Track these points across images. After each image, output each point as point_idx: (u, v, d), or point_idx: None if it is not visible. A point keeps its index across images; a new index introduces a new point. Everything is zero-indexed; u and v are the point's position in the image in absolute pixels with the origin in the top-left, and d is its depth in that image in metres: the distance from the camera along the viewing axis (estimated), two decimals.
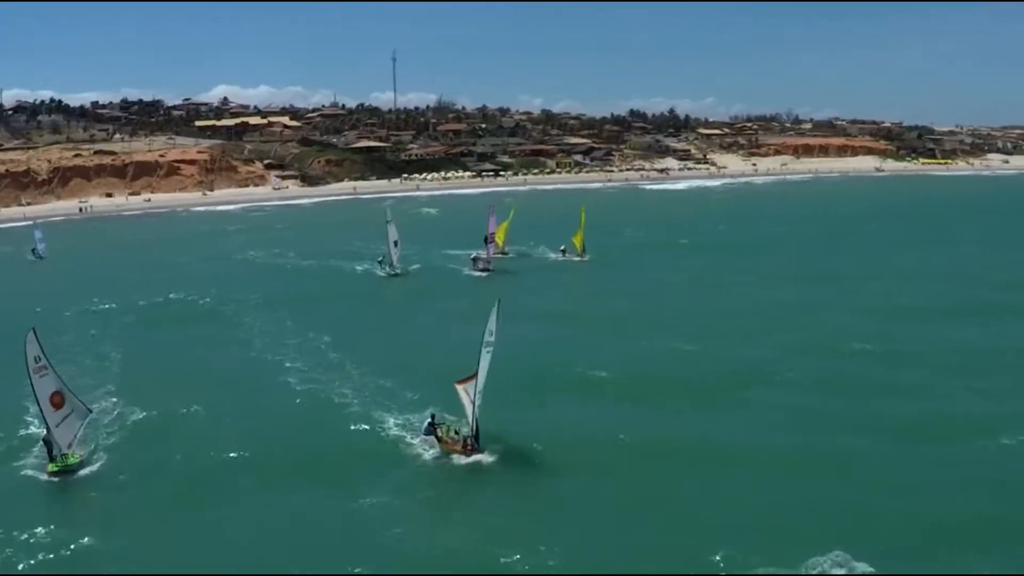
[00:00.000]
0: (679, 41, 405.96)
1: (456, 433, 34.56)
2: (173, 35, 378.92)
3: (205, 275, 77.70)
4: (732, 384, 41.89)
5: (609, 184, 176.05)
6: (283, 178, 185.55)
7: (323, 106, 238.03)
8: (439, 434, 34.62)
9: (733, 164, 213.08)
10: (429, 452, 34.55)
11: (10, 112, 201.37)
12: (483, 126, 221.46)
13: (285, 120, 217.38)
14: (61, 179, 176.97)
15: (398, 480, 32.30)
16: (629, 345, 49.69)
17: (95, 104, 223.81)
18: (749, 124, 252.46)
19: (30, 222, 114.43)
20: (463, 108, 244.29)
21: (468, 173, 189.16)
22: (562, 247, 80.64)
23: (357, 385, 42.87)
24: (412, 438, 35.55)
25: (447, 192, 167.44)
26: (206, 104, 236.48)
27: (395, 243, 73.33)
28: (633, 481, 31.78)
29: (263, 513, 30.32)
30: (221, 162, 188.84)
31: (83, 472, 33.79)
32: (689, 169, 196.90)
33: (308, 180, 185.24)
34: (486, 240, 75.60)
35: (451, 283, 71.51)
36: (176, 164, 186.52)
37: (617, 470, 32.56)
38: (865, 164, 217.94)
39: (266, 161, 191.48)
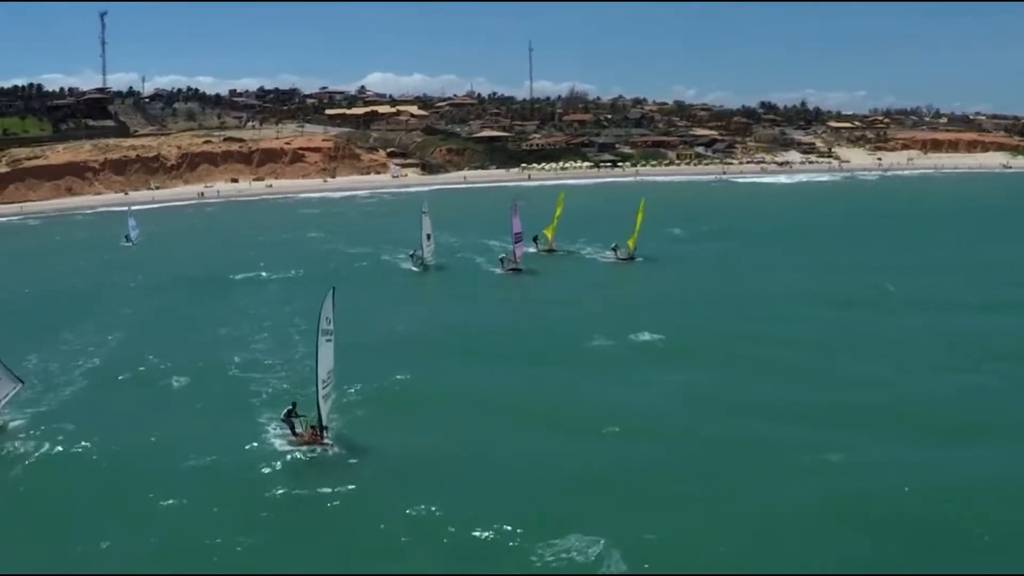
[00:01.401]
0: (835, 35, 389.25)
1: (312, 427, 32.36)
2: (333, 21, 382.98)
3: (264, 255, 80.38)
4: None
5: (699, 177, 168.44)
6: (403, 166, 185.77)
7: (454, 96, 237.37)
8: (296, 427, 32.69)
9: (857, 158, 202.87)
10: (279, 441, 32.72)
11: (147, 100, 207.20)
12: (609, 116, 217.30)
13: (413, 109, 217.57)
14: (189, 164, 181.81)
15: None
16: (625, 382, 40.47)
17: (232, 92, 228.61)
18: (880, 118, 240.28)
19: (135, 207, 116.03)
20: (599, 98, 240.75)
21: (586, 164, 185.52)
22: (614, 245, 74.27)
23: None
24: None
25: (557, 182, 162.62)
26: (341, 93, 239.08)
27: (428, 236, 70.26)
28: None
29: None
30: (345, 150, 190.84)
31: None
32: (811, 163, 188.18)
33: (428, 168, 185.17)
34: (519, 239, 70.03)
35: (471, 279, 68.60)
36: (301, 151, 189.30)
37: None
38: (992, 160, 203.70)
39: (389, 149, 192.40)
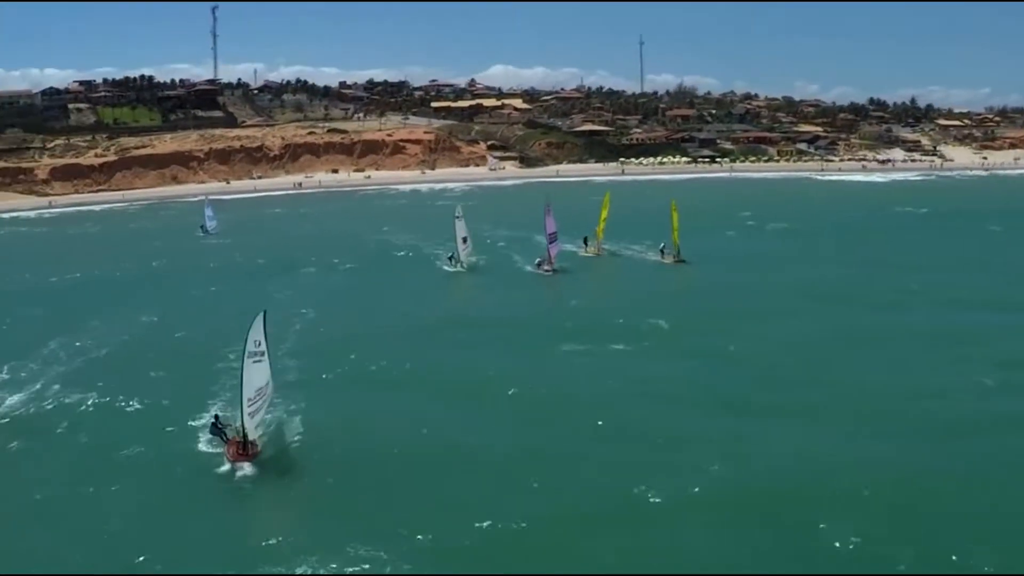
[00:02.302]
0: (961, 29, 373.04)
1: (237, 433, 31.62)
2: (459, 13, 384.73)
3: (323, 246, 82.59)
4: None
5: (794, 174, 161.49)
6: (502, 159, 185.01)
7: (561, 89, 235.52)
8: (226, 434, 32.08)
9: (962, 157, 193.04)
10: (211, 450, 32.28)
11: (256, 91, 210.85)
12: (713, 112, 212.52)
13: (517, 103, 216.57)
14: (292, 155, 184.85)
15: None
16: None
17: (343, 84, 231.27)
18: (991, 116, 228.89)
19: (210, 197, 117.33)
20: (709, 93, 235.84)
21: (685, 159, 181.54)
22: (662, 246, 71.19)
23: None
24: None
25: (651, 177, 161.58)
26: (450, 85, 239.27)
27: (463, 239, 69.76)
28: None
29: None
30: (445, 142, 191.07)
31: None
32: (913, 161, 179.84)
33: (526, 161, 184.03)
34: (553, 239, 67.51)
35: (500, 280, 66.79)
36: (402, 143, 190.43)
37: None
38: None
39: (489, 142, 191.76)
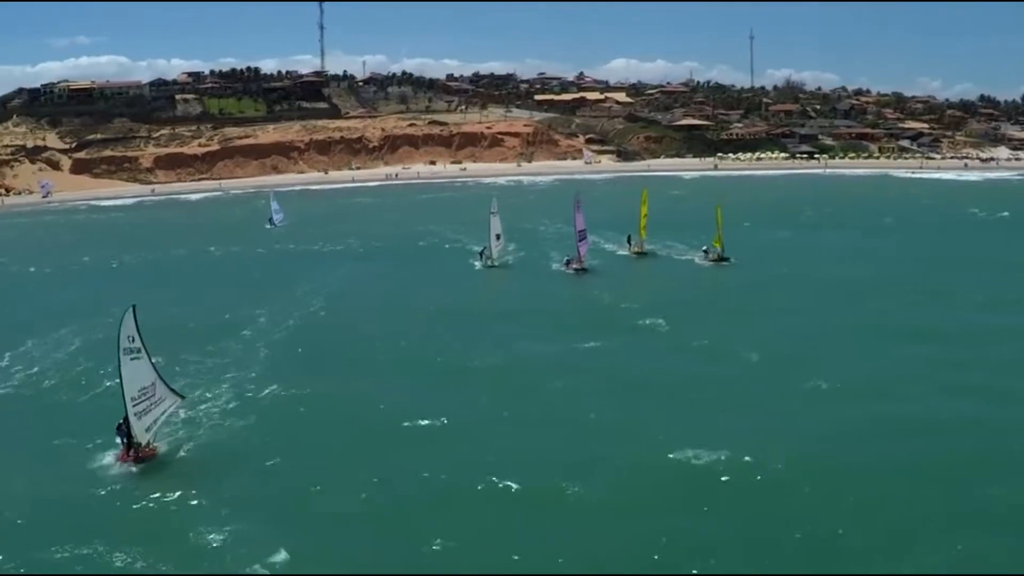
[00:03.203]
0: None
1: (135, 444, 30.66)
2: (582, 6, 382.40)
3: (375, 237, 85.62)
4: None
5: (890, 172, 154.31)
6: (599, 153, 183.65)
7: (667, 83, 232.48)
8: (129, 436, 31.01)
9: None
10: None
11: (361, 83, 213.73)
12: (817, 107, 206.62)
13: (620, 96, 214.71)
14: (391, 146, 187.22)
15: None
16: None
17: (449, 76, 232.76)
18: None
19: (276, 189, 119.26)
20: (819, 88, 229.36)
21: (783, 155, 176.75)
22: (704, 247, 67.96)
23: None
24: None
25: (743, 173, 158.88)
26: (557, 79, 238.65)
27: (497, 236, 68.25)
28: None
29: None
30: (543, 135, 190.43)
31: None
32: (1017, 160, 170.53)
33: (623, 155, 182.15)
34: (583, 236, 65.23)
35: (525, 279, 65.44)
36: (500, 136, 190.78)
37: None
38: None
39: (588, 136, 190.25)
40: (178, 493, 27.99)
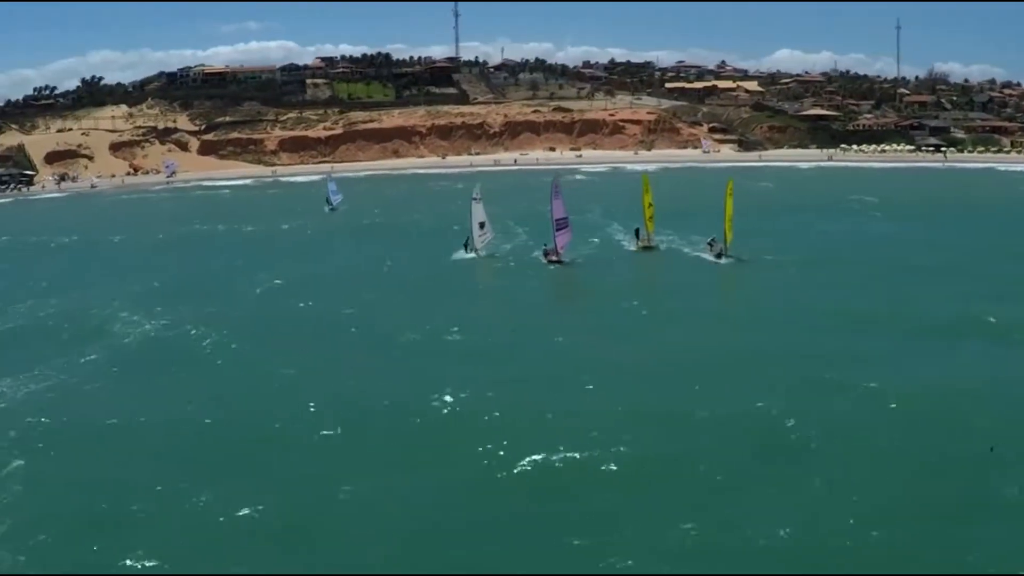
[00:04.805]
0: None
1: None
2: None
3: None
4: None
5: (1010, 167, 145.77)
6: (720, 142, 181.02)
7: (805, 72, 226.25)
8: None
9: None
10: None
11: (492, 70, 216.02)
12: (953, 98, 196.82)
13: (750, 85, 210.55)
14: (511, 132, 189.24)
15: None
16: None
17: (586, 63, 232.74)
18: None
19: (333, 175, 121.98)
20: (967, 80, 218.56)
21: (908, 147, 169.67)
22: (709, 240, 61.92)
23: None
24: None
25: (857, 164, 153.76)
26: (697, 67, 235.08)
27: (480, 224, 64.42)
28: None
29: None
30: (665, 123, 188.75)
31: None
32: None
33: (745, 145, 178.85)
34: (561, 226, 60.46)
35: (499, 273, 62.48)
36: (622, 123, 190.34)
37: None
38: None
39: (712, 124, 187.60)
40: None
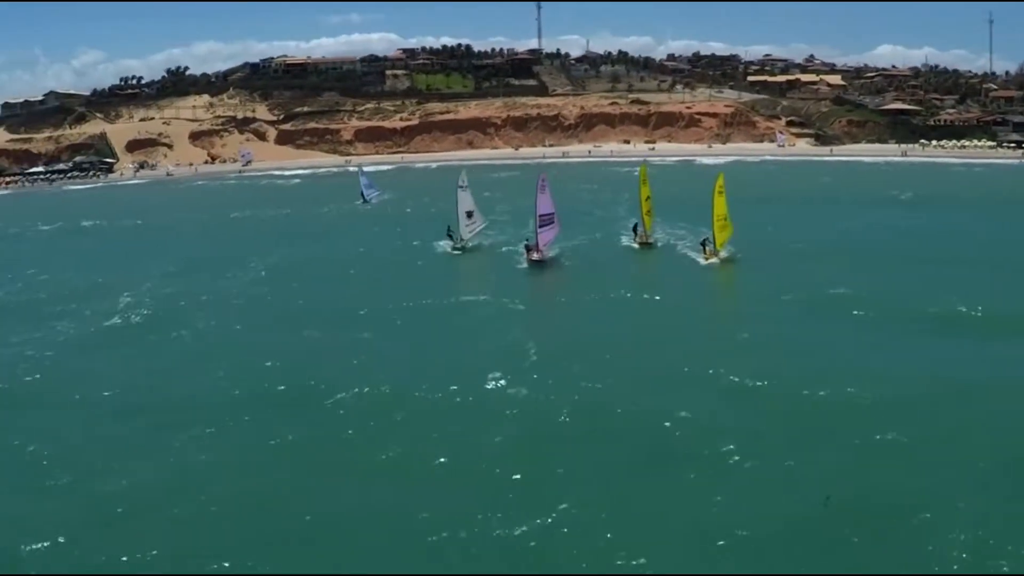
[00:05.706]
0: None
1: None
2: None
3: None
4: None
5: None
6: (797, 136, 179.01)
7: (892, 66, 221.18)
8: None
9: None
10: None
11: (574, 62, 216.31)
12: None
13: (831, 79, 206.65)
14: (586, 124, 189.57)
15: None
16: None
17: (670, 56, 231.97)
18: None
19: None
20: None
21: (990, 143, 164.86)
22: (703, 239, 59.22)
23: None
24: None
25: (932, 160, 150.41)
26: (784, 60, 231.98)
27: (468, 214, 63.98)
28: None
29: None
30: (742, 117, 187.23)
31: None
32: None
33: (822, 140, 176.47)
34: (546, 222, 58.79)
35: (471, 267, 62.39)
36: (698, 116, 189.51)
37: None
38: None
39: (790, 118, 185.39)
40: None
